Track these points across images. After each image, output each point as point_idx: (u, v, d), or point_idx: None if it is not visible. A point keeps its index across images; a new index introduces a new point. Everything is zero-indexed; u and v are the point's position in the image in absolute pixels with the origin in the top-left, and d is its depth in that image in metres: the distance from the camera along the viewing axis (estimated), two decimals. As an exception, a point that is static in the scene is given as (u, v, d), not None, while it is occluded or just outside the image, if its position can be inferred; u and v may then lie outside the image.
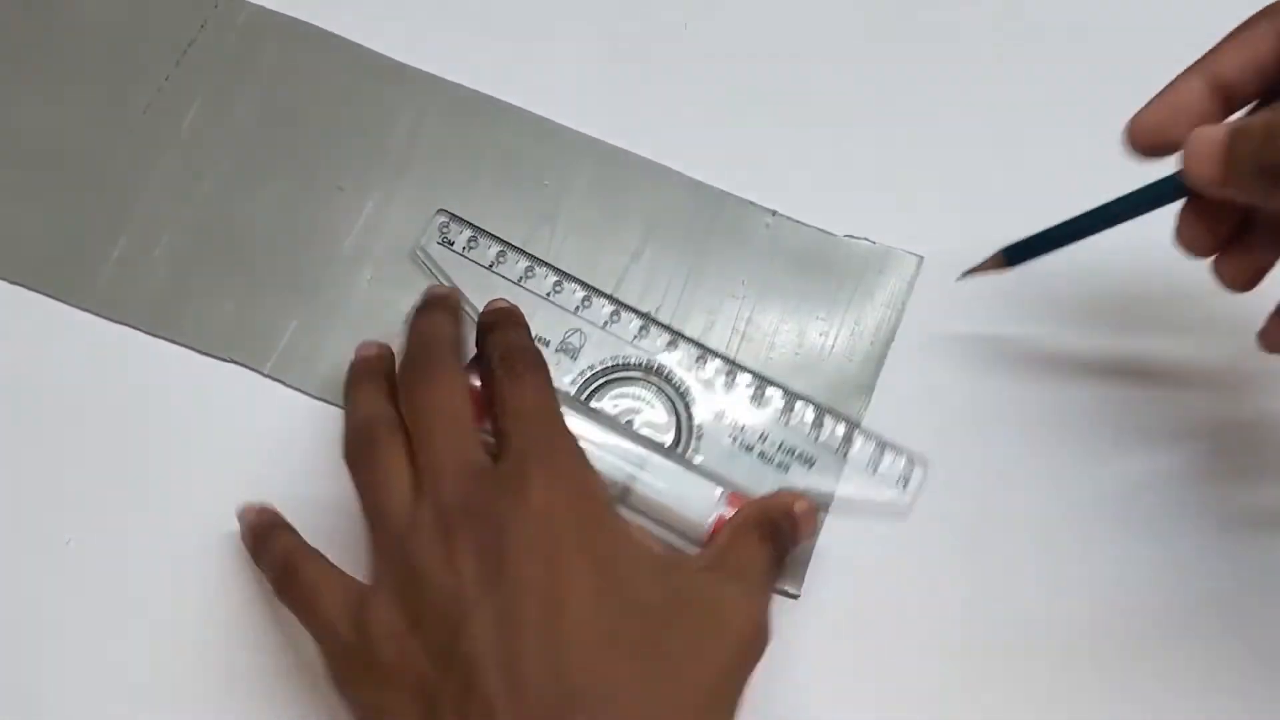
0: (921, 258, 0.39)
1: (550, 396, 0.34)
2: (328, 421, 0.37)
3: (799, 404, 0.38)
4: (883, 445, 0.37)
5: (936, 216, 0.40)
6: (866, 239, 0.40)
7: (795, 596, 0.36)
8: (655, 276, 0.39)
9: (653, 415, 0.38)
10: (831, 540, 0.37)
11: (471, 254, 0.39)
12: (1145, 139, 0.32)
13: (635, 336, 0.38)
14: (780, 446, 0.37)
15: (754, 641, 0.32)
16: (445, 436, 0.33)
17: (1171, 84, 0.32)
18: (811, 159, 0.40)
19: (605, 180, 0.40)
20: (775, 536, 0.34)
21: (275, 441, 0.37)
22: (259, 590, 0.36)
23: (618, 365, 0.38)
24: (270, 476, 0.37)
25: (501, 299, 0.37)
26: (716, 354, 0.38)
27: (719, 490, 0.36)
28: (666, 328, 0.38)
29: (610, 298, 0.39)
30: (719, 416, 0.38)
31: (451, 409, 0.33)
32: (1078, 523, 0.37)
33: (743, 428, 0.37)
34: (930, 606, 0.37)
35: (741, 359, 0.39)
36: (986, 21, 0.42)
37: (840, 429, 0.37)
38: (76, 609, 0.36)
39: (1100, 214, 0.33)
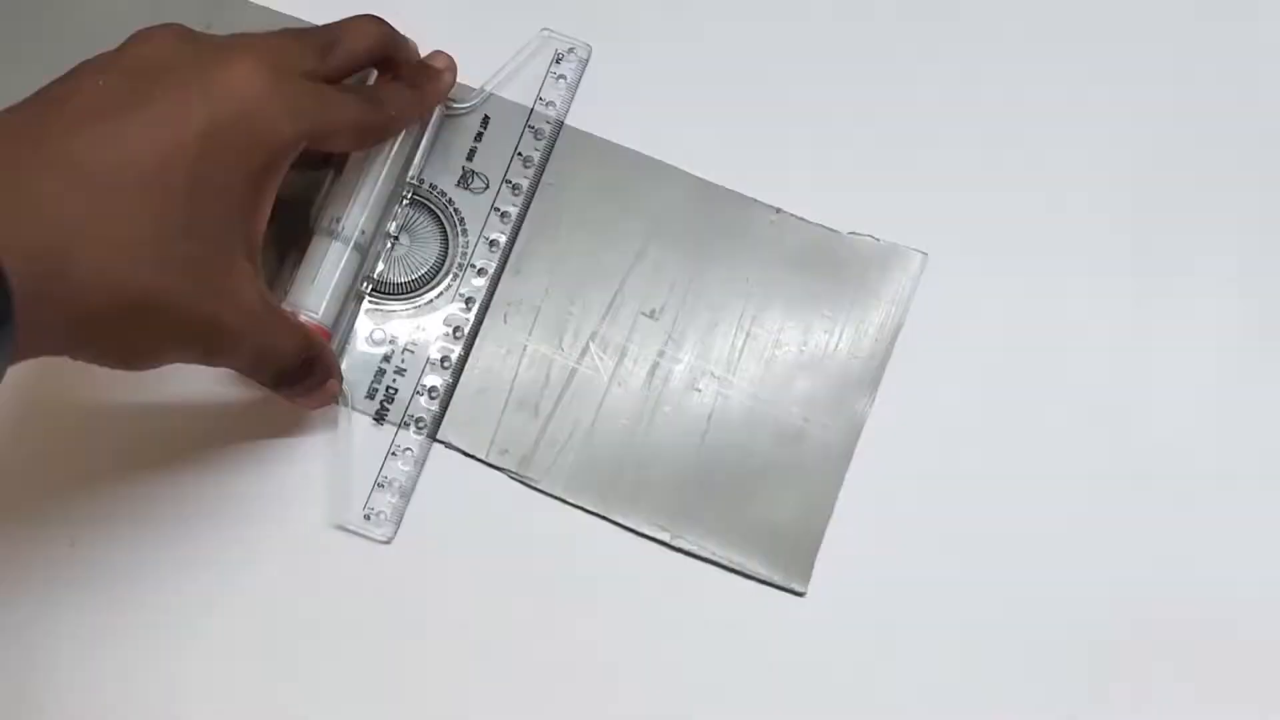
0: (926, 255, 0.39)
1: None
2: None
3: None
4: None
5: (941, 213, 0.40)
6: (871, 236, 0.39)
7: (801, 594, 0.37)
8: (659, 275, 0.39)
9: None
10: (837, 539, 0.37)
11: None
12: None
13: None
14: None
15: (242, 116, 0.30)
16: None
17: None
18: (815, 156, 0.40)
19: (607, 178, 0.40)
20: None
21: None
22: (264, 586, 0.36)
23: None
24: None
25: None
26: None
27: (323, 307, 0.36)
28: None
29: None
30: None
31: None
32: (1084, 521, 0.37)
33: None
34: (932, 604, 0.37)
35: (746, 357, 0.39)
36: (991, 18, 0.42)
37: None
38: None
39: None
